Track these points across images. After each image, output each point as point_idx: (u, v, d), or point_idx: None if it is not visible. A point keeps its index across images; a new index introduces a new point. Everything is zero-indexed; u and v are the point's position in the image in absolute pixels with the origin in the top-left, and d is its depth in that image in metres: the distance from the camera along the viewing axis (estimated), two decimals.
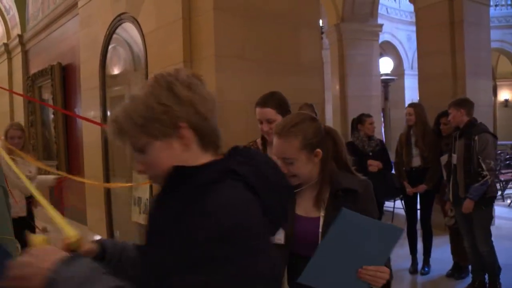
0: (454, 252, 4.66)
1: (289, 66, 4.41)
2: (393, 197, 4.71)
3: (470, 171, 3.86)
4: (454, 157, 4.03)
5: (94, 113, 5.74)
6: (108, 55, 5.48)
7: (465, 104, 4.04)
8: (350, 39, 8.79)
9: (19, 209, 4.09)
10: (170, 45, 4.18)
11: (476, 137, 3.87)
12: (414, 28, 8.82)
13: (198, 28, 4.02)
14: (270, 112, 2.45)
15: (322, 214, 1.68)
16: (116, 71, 5.61)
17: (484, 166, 3.79)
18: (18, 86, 9.35)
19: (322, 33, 5.94)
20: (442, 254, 4.93)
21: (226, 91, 3.90)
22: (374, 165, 4.41)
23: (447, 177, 4.17)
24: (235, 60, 3.99)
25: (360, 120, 4.65)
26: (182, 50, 4.04)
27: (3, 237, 2.06)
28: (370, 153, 4.53)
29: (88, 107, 6.00)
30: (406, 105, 5.79)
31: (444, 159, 4.33)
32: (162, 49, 4.32)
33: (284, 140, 1.68)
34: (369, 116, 4.73)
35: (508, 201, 8.13)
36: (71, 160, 7.20)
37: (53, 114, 7.50)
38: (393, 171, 4.79)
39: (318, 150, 1.69)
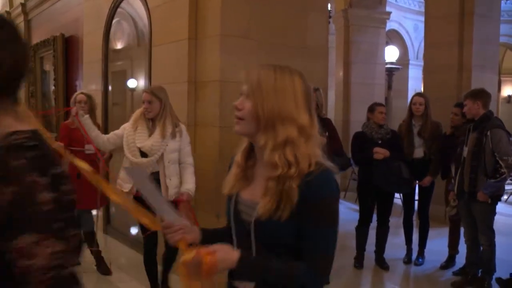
0: (451, 244, 4.66)
1: (294, 49, 4.35)
2: (400, 189, 4.56)
3: (476, 167, 3.81)
4: (466, 150, 3.93)
5: (95, 86, 5.68)
6: (112, 29, 5.41)
7: (482, 95, 3.90)
8: (357, 25, 8.70)
9: None
10: (175, 21, 4.11)
11: (489, 133, 3.77)
12: (421, 17, 8.74)
13: (204, 5, 3.95)
14: None
15: None
16: (119, 45, 5.54)
17: (502, 164, 3.70)
18: None
19: (329, 17, 5.86)
20: (437, 245, 4.94)
21: (228, 71, 3.84)
22: (380, 152, 4.28)
23: (455, 169, 4.11)
24: (240, 40, 3.93)
25: (371, 108, 4.57)
26: (188, 27, 3.97)
27: None
28: (379, 141, 4.42)
29: (89, 80, 5.94)
30: (410, 95, 5.73)
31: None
32: (167, 24, 4.26)
33: None
34: (380, 105, 4.64)
35: (505, 197, 8.13)
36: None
37: (54, 86, 7.44)
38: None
39: None
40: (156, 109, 3.45)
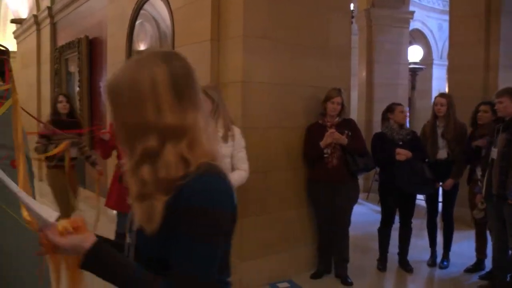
0: (478, 249, 4.55)
1: (317, 49, 4.33)
2: (423, 190, 4.49)
3: (506, 168, 3.69)
4: (494, 151, 3.79)
5: None
6: (135, 30, 5.47)
7: None
8: (379, 25, 8.60)
9: None
10: (198, 22, 4.13)
11: None
12: (445, 17, 8.61)
13: (227, 6, 3.95)
14: None
15: None
16: (142, 47, 5.60)
17: None
18: (46, 58, 9.44)
19: (352, 17, 5.80)
20: (462, 248, 4.86)
21: (251, 72, 3.85)
22: (402, 153, 4.22)
23: (483, 171, 4.01)
24: (263, 40, 3.93)
25: (390, 108, 4.50)
26: (210, 28, 3.99)
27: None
28: (400, 143, 4.34)
29: None
30: (433, 95, 5.63)
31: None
32: (189, 26, 4.28)
33: None
34: (399, 104, 4.58)
35: None
36: (94, 133, 7.26)
37: (79, 87, 7.56)
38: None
39: None
40: (208, 110, 3.17)
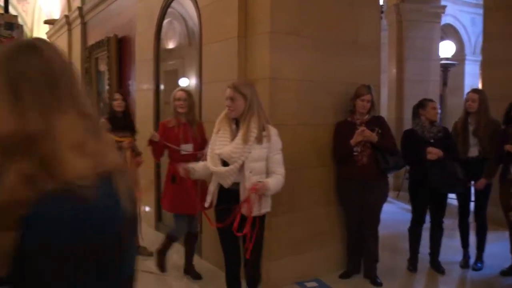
0: None
1: (345, 45, 4.26)
2: (455, 189, 4.35)
3: None
4: None
5: (147, 85, 5.80)
6: (164, 29, 5.50)
7: None
8: (410, 21, 8.42)
9: None
10: (225, 19, 4.12)
11: None
12: (479, 10, 8.36)
13: (254, 2, 3.93)
14: None
15: None
16: (171, 45, 5.63)
17: None
18: (77, 57, 9.62)
19: (381, 12, 5.69)
20: (497, 250, 4.70)
21: (279, 68, 3.81)
22: (433, 152, 4.09)
23: None
24: (290, 37, 3.88)
25: (422, 104, 4.38)
26: (237, 25, 3.97)
27: None
28: (432, 140, 4.21)
29: (141, 79, 6.07)
30: (466, 92, 5.46)
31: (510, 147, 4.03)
32: (216, 23, 4.27)
33: None
34: (431, 100, 4.46)
35: None
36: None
37: (108, 85, 7.67)
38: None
39: None
40: (240, 108, 2.96)
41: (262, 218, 3.06)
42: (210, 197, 3.08)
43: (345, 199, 4.18)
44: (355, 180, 4.01)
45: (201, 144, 3.87)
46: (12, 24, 2.08)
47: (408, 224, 4.50)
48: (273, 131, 3.03)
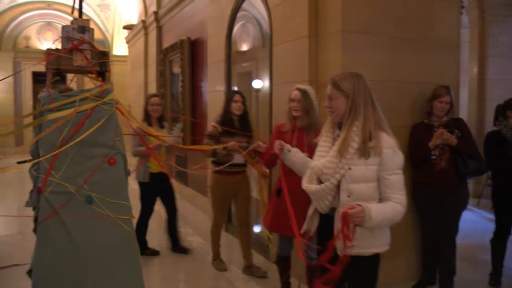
0: None
1: (420, 42, 4.05)
2: None
3: None
4: None
5: (219, 87, 5.87)
6: (238, 31, 5.54)
7: None
8: (494, 16, 7.87)
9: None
10: (295, 19, 4.05)
11: None
12: None
13: (324, 1, 3.83)
14: None
15: None
16: (244, 47, 5.66)
17: None
18: (152, 60, 10.00)
19: (462, 7, 5.34)
20: None
21: (351, 68, 3.67)
22: None
23: None
24: (362, 35, 3.74)
25: (509, 104, 4.04)
26: (308, 24, 3.89)
27: (123, 202, 2.14)
28: None
29: (213, 81, 6.15)
30: None
31: None
32: (287, 22, 4.22)
33: None
34: None
35: None
36: (195, 132, 7.52)
37: (181, 87, 7.87)
38: None
39: None
40: (341, 109, 2.28)
41: (367, 260, 2.31)
42: (308, 223, 2.44)
43: (420, 205, 3.95)
44: (433, 185, 3.78)
45: None
46: (84, 28, 2.17)
47: (490, 235, 4.18)
48: (386, 141, 2.24)
